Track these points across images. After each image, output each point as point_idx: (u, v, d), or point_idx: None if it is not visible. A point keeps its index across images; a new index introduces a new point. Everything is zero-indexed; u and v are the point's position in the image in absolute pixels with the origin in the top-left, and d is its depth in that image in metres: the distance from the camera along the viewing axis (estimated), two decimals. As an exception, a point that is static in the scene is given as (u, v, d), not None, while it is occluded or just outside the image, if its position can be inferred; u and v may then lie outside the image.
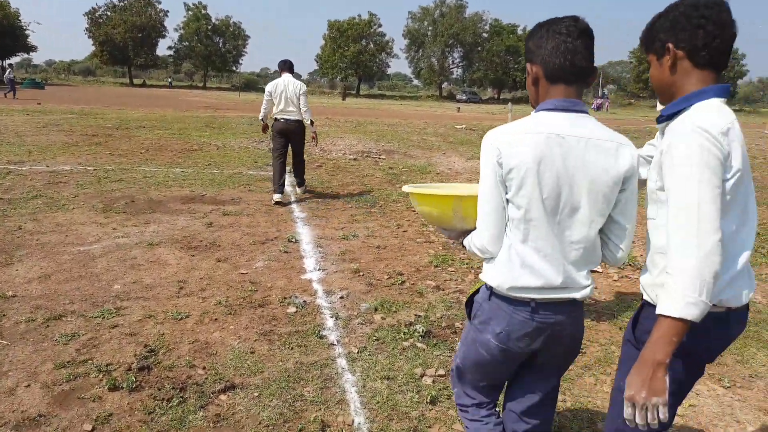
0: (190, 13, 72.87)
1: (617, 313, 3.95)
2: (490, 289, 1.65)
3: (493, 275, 1.61)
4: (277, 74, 7.34)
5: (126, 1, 69.79)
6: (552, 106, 1.54)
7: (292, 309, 3.73)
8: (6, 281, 3.96)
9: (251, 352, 3.12)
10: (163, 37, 73.00)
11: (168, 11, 73.03)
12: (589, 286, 1.61)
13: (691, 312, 1.31)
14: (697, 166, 1.34)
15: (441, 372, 2.98)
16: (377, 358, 3.12)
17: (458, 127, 19.79)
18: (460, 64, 77.55)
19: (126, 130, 13.92)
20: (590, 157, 1.51)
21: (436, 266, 4.77)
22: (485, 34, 74.68)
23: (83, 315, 3.48)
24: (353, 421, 2.55)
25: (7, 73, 27.12)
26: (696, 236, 1.33)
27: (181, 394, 2.66)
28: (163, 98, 34.37)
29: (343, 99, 48.64)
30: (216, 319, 3.53)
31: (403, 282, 4.33)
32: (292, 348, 3.19)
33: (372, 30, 74.44)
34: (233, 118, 18.92)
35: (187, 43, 73.64)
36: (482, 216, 1.60)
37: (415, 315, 3.70)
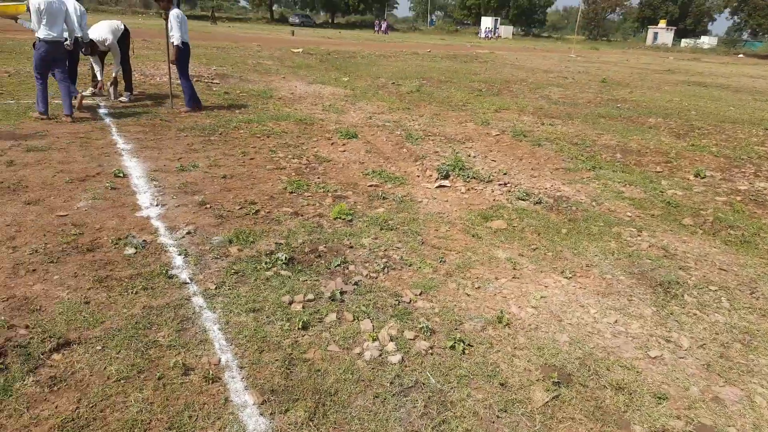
0: None
1: (468, 223, 4.13)
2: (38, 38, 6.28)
3: (40, 33, 6.18)
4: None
5: None
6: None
7: (130, 250, 3.27)
8: None
9: (86, 303, 2.68)
10: None
11: None
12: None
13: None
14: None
15: (310, 297, 2.84)
16: (239, 291, 2.87)
17: (295, 50, 18.95)
18: (290, -15, 73.69)
19: None
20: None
21: (291, 192, 4.53)
22: (315, -48, 71.39)
23: None
24: (219, 359, 2.32)
25: None
26: None
27: (0, 361, 2.19)
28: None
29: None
30: (34, 270, 2.96)
31: (258, 211, 4.04)
32: (136, 292, 2.81)
33: (188, -58, 66.88)
34: (26, 40, 15.92)
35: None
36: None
37: (276, 243, 3.47)
